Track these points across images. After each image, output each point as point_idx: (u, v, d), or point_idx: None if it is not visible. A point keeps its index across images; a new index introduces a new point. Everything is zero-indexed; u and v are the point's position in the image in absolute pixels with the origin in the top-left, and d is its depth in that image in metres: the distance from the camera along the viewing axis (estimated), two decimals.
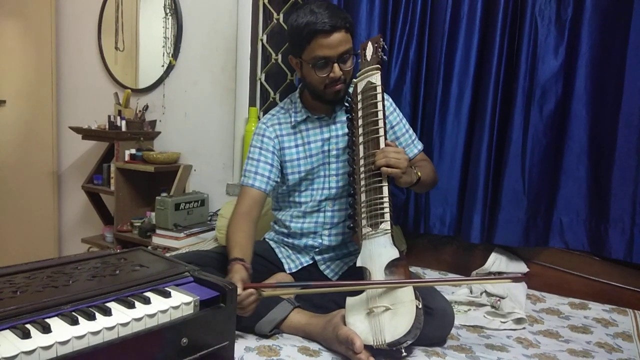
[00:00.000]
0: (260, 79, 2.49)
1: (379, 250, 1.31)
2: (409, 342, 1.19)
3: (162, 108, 2.84)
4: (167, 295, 0.97)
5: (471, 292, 1.73)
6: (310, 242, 1.61)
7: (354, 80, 1.53)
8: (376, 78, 1.45)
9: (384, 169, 1.35)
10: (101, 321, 0.85)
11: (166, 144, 2.84)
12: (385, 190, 1.35)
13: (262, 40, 2.47)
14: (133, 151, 2.73)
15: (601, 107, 1.68)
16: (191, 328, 0.95)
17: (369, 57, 1.50)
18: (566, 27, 1.71)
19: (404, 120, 1.68)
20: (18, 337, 0.79)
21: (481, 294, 1.70)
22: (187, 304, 0.96)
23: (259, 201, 1.57)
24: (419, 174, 1.48)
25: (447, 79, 1.87)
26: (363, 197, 1.39)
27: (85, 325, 0.84)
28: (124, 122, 2.78)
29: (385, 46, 1.52)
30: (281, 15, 2.39)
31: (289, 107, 1.65)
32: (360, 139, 1.44)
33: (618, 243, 1.65)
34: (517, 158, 1.76)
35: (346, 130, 1.55)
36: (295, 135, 1.61)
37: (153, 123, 2.86)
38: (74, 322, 0.84)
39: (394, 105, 1.68)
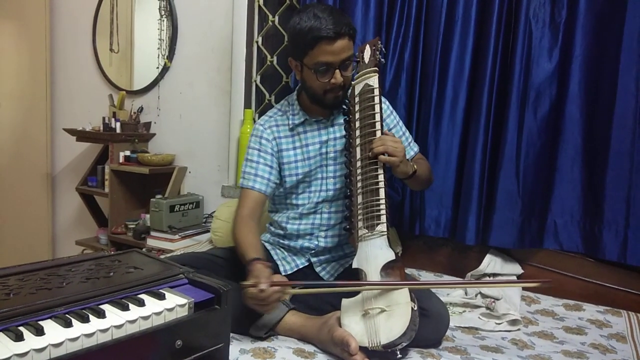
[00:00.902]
0: (255, 80, 2.49)
1: (375, 252, 1.31)
2: (404, 344, 1.19)
3: (157, 110, 2.83)
4: (161, 297, 0.97)
5: (466, 293, 1.74)
6: (306, 243, 1.61)
7: (352, 82, 1.53)
8: (374, 81, 1.46)
9: (381, 156, 1.36)
10: (95, 323, 0.85)
11: (161, 145, 2.84)
12: (382, 192, 1.35)
13: (257, 42, 2.47)
14: (128, 153, 2.72)
15: (595, 109, 1.69)
16: (186, 330, 0.94)
17: (366, 60, 1.51)
18: (560, 30, 1.72)
19: (401, 123, 1.69)
20: (11, 340, 0.78)
21: (476, 295, 1.71)
22: (182, 306, 0.96)
23: (260, 203, 1.57)
24: (415, 167, 1.49)
25: (442, 81, 1.87)
26: (359, 199, 1.39)
27: (78, 328, 0.83)
28: (118, 124, 2.77)
29: (384, 49, 1.52)
30: (276, 18, 2.39)
31: (286, 109, 1.65)
32: (357, 141, 1.44)
33: (612, 244, 1.66)
34: (512, 160, 1.77)
35: (344, 132, 1.55)
36: (293, 137, 1.61)
37: (148, 125, 2.85)
38: (68, 324, 0.83)
39: (390, 108, 1.68)
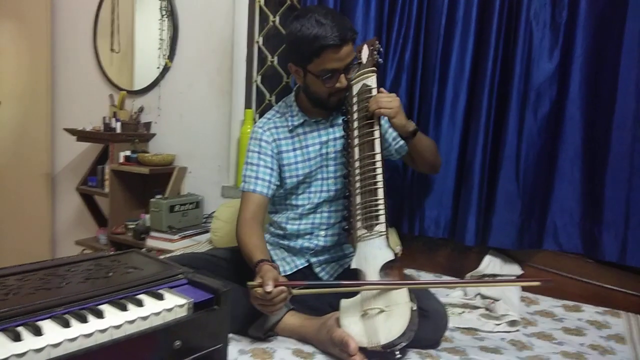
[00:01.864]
0: (256, 81, 2.49)
1: (373, 252, 1.31)
2: (403, 344, 1.19)
3: (158, 110, 2.83)
4: (160, 297, 0.97)
5: (465, 294, 1.74)
6: (306, 243, 1.61)
7: (350, 82, 1.53)
8: (372, 81, 1.46)
9: (376, 111, 1.38)
10: (94, 324, 0.85)
11: (161, 145, 2.84)
12: (381, 192, 1.36)
13: (258, 42, 2.47)
14: (128, 153, 2.72)
15: (595, 110, 1.69)
16: (184, 331, 0.94)
17: (364, 60, 1.51)
18: (561, 31, 1.72)
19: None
20: (9, 340, 0.78)
21: (475, 296, 1.71)
22: (181, 306, 0.96)
23: (263, 206, 1.56)
24: (416, 127, 1.52)
25: (443, 82, 1.87)
26: (358, 199, 1.39)
27: (77, 328, 0.83)
28: (119, 124, 2.77)
29: (381, 49, 1.52)
30: (277, 18, 2.39)
31: (284, 110, 1.65)
32: (356, 141, 1.44)
33: (611, 245, 1.66)
34: (512, 161, 1.77)
35: (343, 132, 1.55)
36: (293, 139, 1.61)
37: (148, 125, 2.86)
38: (66, 324, 0.83)
39: None
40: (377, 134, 1.40)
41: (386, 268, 1.29)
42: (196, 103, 2.68)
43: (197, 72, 2.66)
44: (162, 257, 1.60)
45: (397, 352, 1.19)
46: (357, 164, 1.42)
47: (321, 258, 1.62)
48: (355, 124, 1.46)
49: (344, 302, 1.29)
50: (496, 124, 1.80)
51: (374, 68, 1.47)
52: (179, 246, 2.32)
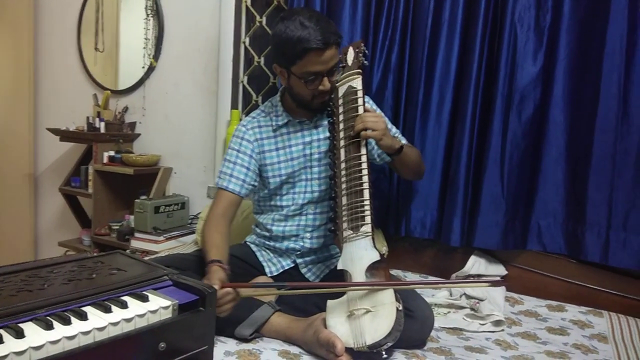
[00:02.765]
0: (242, 81, 2.48)
1: (359, 253, 1.32)
2: (390, 344, 1.20)
3: (143, 110, 2.81)
4: (145, 299, 0.96)
5: (451, 294, 1.75)
6: (292, 245, 1.61)
7: (335, 84, 1.53)
8: (357, 82, 1.46)
9: (362, 133, 1.38)
10: (77, 326, 0.84)
11: (146, 146, 2.81)
12: (367, 193, 1.36)
13: (244, 42, 2.46)
14: (112, 153, 2.69)
15: (578, 113, 1.71)
16: (169, 332, 0.93)
17: (350, 62, 1.51)
18: (545, 34, 1.74)
19: (387, 120, 1.69)
20: None
21: (461, 296, 1.72)
22: (166, 308, 0.95)
23: (234, 204, 1.56)
24: (402, 143, 1.51)
25: (429, 84, 1.88)
26: (344, 200, 1.39)
27: (60, 330, 0.82)
28: (102, 124, 2.74)
29: (367, 51, 1.53)
30: (264, 19, 2.38)
31: (269, 110, 1.65)
32: (341, 143, 1.45)
33: (594, 246, 1.68)
34: (496, 162, 1.78)
35: (327, 134, 1.55)
36: (276, 138, 1.61)
37: (133, 125, 2.83)
38: (49, 326, 0.82)
39: (374, 106, 1.69)
40: (363, 151, 1.40)
41: (372, 269, 1.29)
42: (182, 103, 2.67)
43: (182, 72, 2.65)
44: (146, 258, 1.59)
45: (384, 352, 1.19)
46: (343, 165, 1.42)
47: (307, 259, 1.62)
48: (341, 126, 1.46)
49: (330, 303, 1.29)
50: (481, 126, 1.81)
51: (359, 70, 1.48)
52: (164, 247, 2.30)
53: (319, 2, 2.02)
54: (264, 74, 2.42)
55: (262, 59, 2.41)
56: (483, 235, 1.80)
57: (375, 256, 1.30)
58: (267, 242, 1.65)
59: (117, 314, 0.89)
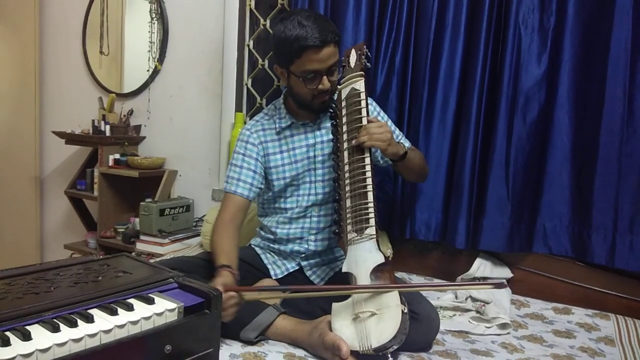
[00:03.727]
0: (246, 84, 2.49)
1: (364, 256, 1.31)
2: (395, 347, 1.19)
3: (147, 113, 2.81)
4: (150, 301, 0.96)
5: (456, 297, 1.74)
6: (296, 247, 1.61)
7: (338, 87, 1.53)
8: (360, 85, 1.47)
9: (367, 143, 1.38)
10: (83, 328, 0.84)
11: (151, 149, 2.82)
12: (370, 195, 1.36)
13: (248, 45, 2.46)
14: (117, 156, 2.70)
15: (583, 115, 1.71)
16: (175, 335, 0.93)
17: (352, 64, 1.51)
18: (549, 36, 1.74)
19: (390, 122, 1.70)
20: None
21: (466, 299, 1.71)
22: (171, 310, 0.95)
23: (243, 208, 1.56)
24: (406, 148, 1.52)
25: (433, 86, 1.88)
26: (348, 202, 1.39)
27: (66, 332, 0.82)
28: (108, 127, 2.75)
29: (369, 53, 1.53)
30: (268, 21, 2.39)
31: (273, 113, 1.65)
32: (345, 145, 1.45)
33: (600, 248, 1.68)
34: (501, 164, 1.78)
35: (331, 136, 1.56)
36: (280, 141, 1.61)
37: (138, 128, 2.84)
38: (55, 329, 0.82)
39: (377, 108, 1.69)
40: (367, 153, 1.41)
41: (377, 271, 1.29)
42: (186, 106, 2.67)
43: (187, 74, 2.65)
44: (152, 261, 1.59)
45: (389, 355, 1.19)
46: (346, 167, 1.42)
47: (312, 261, 1.62)
48: (345, 128, 1.46)
49: (336, 306, 1.29)
50: (486, 128, 1.81)
51: (362, 72, 1.48)
52: (169, 250, 2.31)
53: (322, 5, 2.02)
54: (268, 77, 2.42)
55: (266, 62, 2.42)
56: (488, 238, 1.80)
57: (379, 259, 1.30)
58: (272, 245, 1.65)
59: (123, 316, 0.89)
